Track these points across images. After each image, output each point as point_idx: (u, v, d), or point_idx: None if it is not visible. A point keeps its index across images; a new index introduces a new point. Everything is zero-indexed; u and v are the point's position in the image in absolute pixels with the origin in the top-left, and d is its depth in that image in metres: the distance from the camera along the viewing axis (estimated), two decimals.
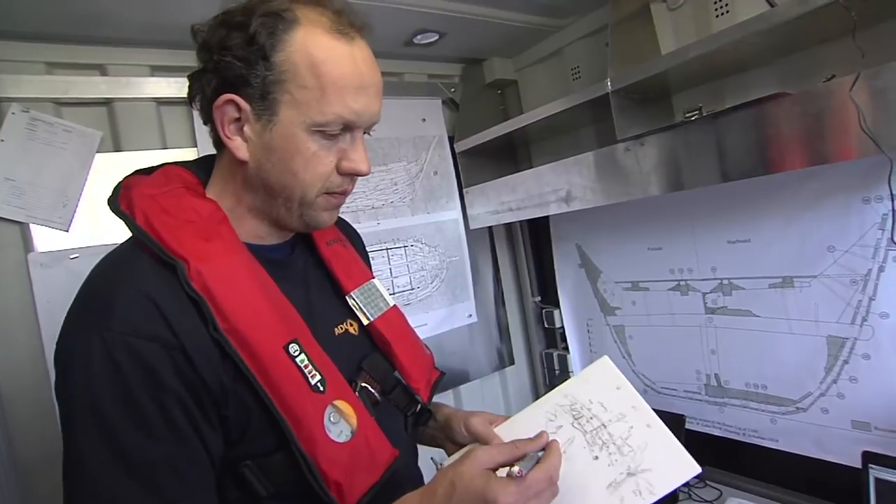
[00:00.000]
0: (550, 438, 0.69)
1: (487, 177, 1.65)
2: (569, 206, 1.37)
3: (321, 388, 0.63)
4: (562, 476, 0.69)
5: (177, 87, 1.25)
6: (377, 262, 1.59)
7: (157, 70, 1.27)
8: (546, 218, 1.76)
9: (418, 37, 1.49)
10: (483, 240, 1.87)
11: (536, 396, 1.96)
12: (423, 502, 0.61)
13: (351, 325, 0.77)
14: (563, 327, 1.83)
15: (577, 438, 0.74)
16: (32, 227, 1.11)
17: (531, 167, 1.68)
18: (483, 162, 1.74)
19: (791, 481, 1.29)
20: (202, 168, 0.73)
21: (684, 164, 1.11)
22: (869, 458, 1.05)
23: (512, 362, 1.90)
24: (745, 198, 1.26)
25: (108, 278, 0.61)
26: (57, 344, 0.59)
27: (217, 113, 0.63)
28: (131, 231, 0.63)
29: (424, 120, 1.74)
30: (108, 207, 0.65)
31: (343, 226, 0.91)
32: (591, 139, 1.62)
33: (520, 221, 1.90)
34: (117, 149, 1.22)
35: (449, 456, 0.87)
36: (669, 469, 0.69)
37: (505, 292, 1.91)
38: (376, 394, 0.73)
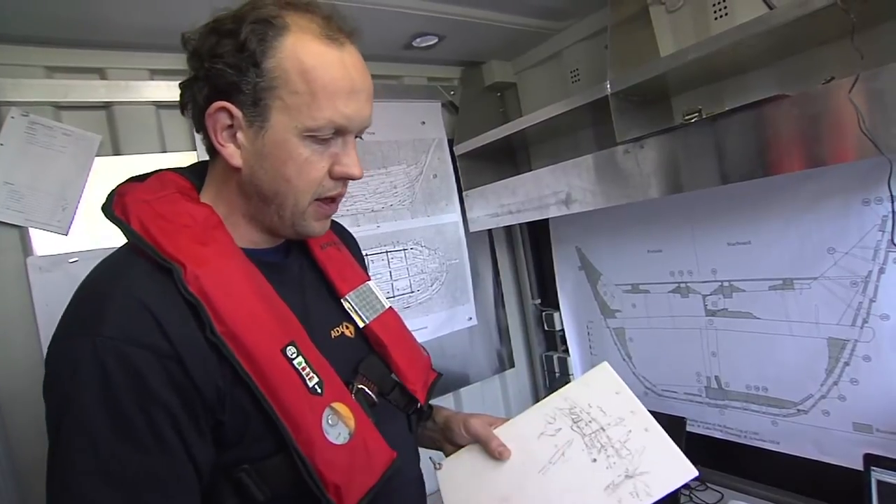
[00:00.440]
0: (550, 446, 0.70)
1: (487, 179, 1.65)
2: (568, 209, 1.37)
3: (319, 391, 0.62)
4: (560, 477, 0.69)
5: (176, 90, 1.23)
6: (377, 265, 1.59)
7: (157, 74, 1.27)
8: (546, 220, 1.76)
9: (417, 40, 1.50)
10: (483, 242, 1.87)
11: (536, 399, 1.96)
12: None
13: (347, 327, 0.77)
14: (563, 330, 1.82)
15: (576, 441, 0.75)
16: (31, 230, 1.11)
17: (530, 170, 1.68)
18: (482, 165, 1.74)
19: (792, 484, 1.29)
20: (196, 174, 0.73)
21: (684, 166, 1.11)
22: (871, 460, 1.05)
23: (512, 365, 1.89)
24: (744, 200, 1.26)
25: (102, 284, 0.60)
26: (48, 348, 0.58)
27: (209, 121, 0.64)
28: (126, 236, 0.63)
29: (424, 123, 1.74)
30: (102, 214, 0.65)
31: (338, 229, 0.91)
32: (590, 142, 1.62)
33: (519, 224, 1.90)
34: (117, 152, 1.22)
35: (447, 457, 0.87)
36: (667, 472, 0.70)
37: (505, 295, 1.91)
38: (373, 395, 0.73)
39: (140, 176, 0.70)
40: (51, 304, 1.08)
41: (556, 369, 1.87)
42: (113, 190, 0.67)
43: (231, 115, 0.63)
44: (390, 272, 1.61)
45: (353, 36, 0.66)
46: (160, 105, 1.26)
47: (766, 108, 0.95)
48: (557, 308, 1.82)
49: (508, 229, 1.96)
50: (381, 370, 0.77)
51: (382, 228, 1.61)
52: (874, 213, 1.06)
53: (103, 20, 1.09)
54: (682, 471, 0.70)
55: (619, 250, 1.59)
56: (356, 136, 0.68)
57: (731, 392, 1.38)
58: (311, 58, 0.61)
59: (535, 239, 1.91)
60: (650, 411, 1.41)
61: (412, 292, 1.65)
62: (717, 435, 1.42)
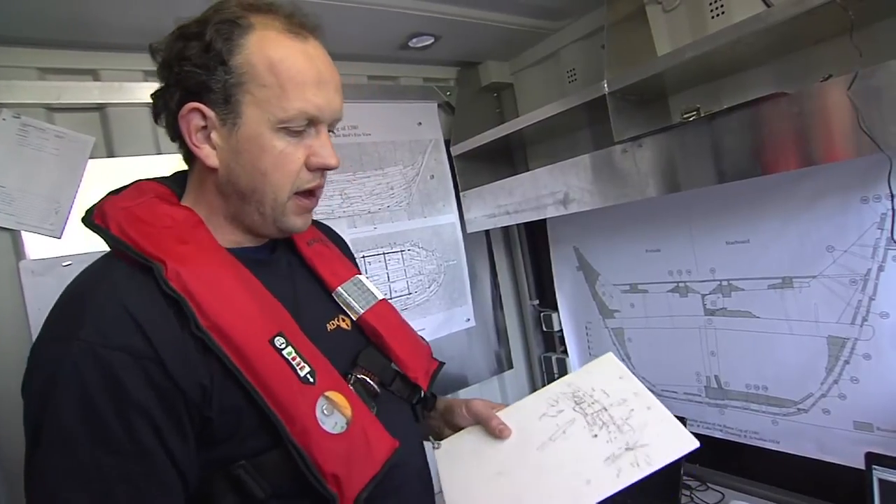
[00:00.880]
0: (552, 425, 0.69)
1: (484, 180, 1.64)
2: (566, 209, 1.37)
3: (311, 380, 0.62)
4: (559, 452, 0.69)
5: None
6: (374, 266, 1.58)
7: (151, 75, 1.25)
8: (543, 221, 1.76)
9: (413, 40, 1.49)
10: (480, 243, 1.86)
11: None
12: None
13: (343, 320, 0.77)
14: (561, 331, 1.82)
15: (578, 420, 0.74)
16: (24, 234, 1.10)
17: (528, 170, 1.68)
18: (479, 165, 1.73)
19: (793, 483, 1.28)
20: (176, 182, 0.73)
21: (682, 165, 1.10)
22: (872, 459, 1.05)
23: (511, 366, 1.89)
24: (743, 198, 1.25)
25: (82, 289, 0.60)
26: (30, 351, 0.58)
27: (183, 123, 0.64)
28: (106, 241, 0.63)
29: (420, 124, 1.73)
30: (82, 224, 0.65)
31: (324, 229, 0.91)
32: (587, 141, 1.62)
33: (517, 224, 1.89)
34: (110, 154, 1.21)
35: None
36: (668, 444, 0.69)
37: (503, 296, 1.90)
38: (375, 385, 0.72)
39: (117, 189, 0.70)
40: (43, 307, 1.05)
41: (555, 370, 1.87)
42: (94, 204, 0.67)
43: (204, 116, 0.64)
44: (387, 274, 1.60)
45: (317, 31, 0.68)
46: None
47: (764, 106, 0.95)
48: (556, 309, 1.81)
49: (506, 230, 1.96)
50: (380, 361, 0.76)
51: (379, 230, 1.60)
52: (873, 211, 1.06)
53: (97, 21, 1.08)
54: (684, 442, 0.69)
55: (617, 250, 1.58)
56: (329, 130, 0.69)
57: (731, 391, 1.37)
58: (276, 51, 0.63)
59: (533, 239, 1.90)
60: None
61: (410, 294, 1.64)
62: (718, 435, 1.42)
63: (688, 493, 1.38)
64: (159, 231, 0.62)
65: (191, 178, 0.72)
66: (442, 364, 0.86)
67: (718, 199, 1.30)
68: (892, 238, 1.03)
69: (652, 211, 1.45)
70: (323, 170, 0.69)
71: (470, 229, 1.71)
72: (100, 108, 1.20)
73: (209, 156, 0.65)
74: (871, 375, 1.11)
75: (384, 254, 1.60)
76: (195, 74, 0.62)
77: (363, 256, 1.56)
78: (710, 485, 1.40)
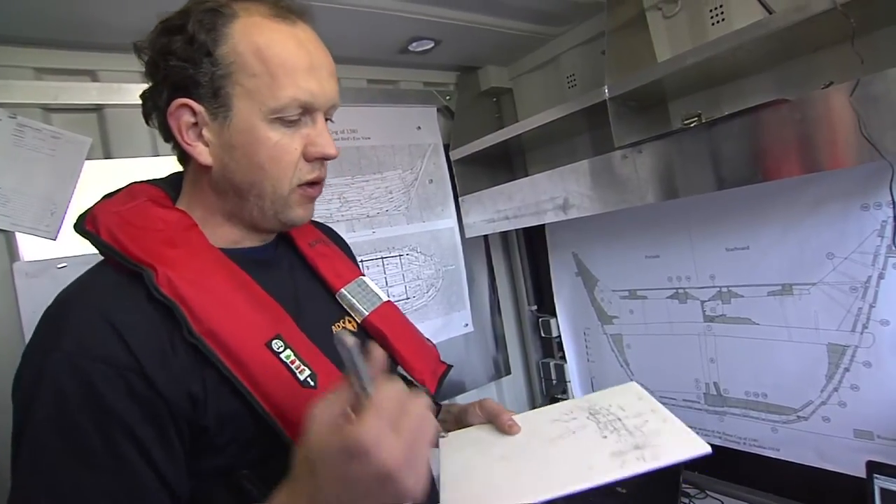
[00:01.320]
0: (562, 427, 0.68)
1: (483, 185, 1.64)
2: (566, 214, 1.36)
3: (312, 383, 0.60)
4: (566, 447, 0.68)
5: None
6: (372, 271, 1.57)
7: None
8: (542, 226, 1.75)
9: (413, 44, 1.49)
10: (479, 248, 1.85)
11: (533, 406, 1.94)
12: (292, 498, 0.51)
13: (349, 322, 0.75)
14: (559, 336, 1.81)
15: (590, 426, 0.73)
16: (18, 235, 1.08)
17: (526, 175, 1.67)
18: (478, 170, 1.73)
19: (793, 491, 1.27)
20: (171, 185, 0.71)
21: (683, 171, 1.10)
22: (873, 467, 1.04)
23: (508, 372, 1.88)
24: (743, 205, 1.25)
25: (68, 300, 0.59)
26: (20, 363, 0.57)
27: (172, 121, 0.62)
28: (96, 247, 0.61)
29: (419, 128, 1.73)
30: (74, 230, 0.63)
31: (325, 229, 0.89)
32: (586, 147, 1.62)
33: (515, 230, 1.89)
34: (107, 156, 1.19)
35: None
36: (678, 445, 0.68)
37: (501, 301, 1.90)
38: None
39: (111, 193, 0.69)
40: (37, 310, 1.03)
41: (553, 376, 1.86)
42: (87, 210, 0.65)
43: (193, 112, 0.61)
44: (385, 278, 1.59)
45: (305, 15, 0.65)
46: None
47: (766, 113, 0.95)
48: (554, 314, 1.81)
49: (504, 235, 1.95)
50: (386, 363, 0.75)
51: (378, 234, 1.59)
52: (873, 219, 1.06)
53: (95, 21, 1.07)
54: (696, 446, 0.68)
55: (617, 256, 1.58)
56: (327, 119, 0.67)
57: (731, 399, 1.37)
58: (263, 37, 0.60)
59: (532, 245, 1.90)
60: None
61: (408, 298, 1.63)
62: (717, 442, 1.41)
63: (687, 500, 1.37)
64: (150, 235, 0.61)
65: (186, 178, 0.70)
66: (450, 367, 0.84)
67: (718, 205, 1.30)
68: (893, 245, 1.03)
69: (651, 217, 1.44)
70: (322, 160, 0.66)
71: (469, 234, 1.70)
72: (97, 108, 1.19)
73: (202, 153, 0.63)
74: (871, 383, 1.11)
75: (382, 258, 1.59)
76: (181, 69, 0.60)
77: (361, 261, 1.55)
78: (709, 492, 1.39)
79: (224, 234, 0.68)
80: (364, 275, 0.83)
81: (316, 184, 0.68)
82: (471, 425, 0.84)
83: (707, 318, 1.38)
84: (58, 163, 1.12)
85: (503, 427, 0.76)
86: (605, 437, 0.70)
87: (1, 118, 1.07)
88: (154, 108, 0.65)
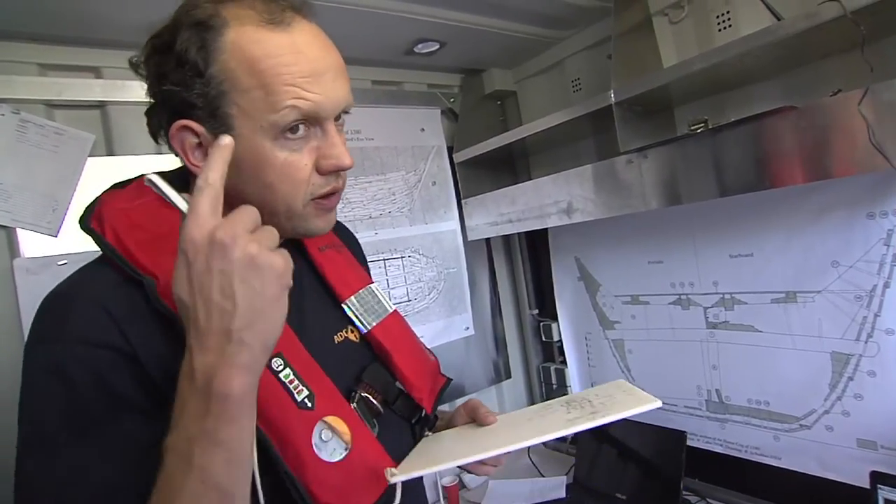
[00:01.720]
0: (535, 414, 0.70)
1: (485, 188, 1.63)
2: (570, 219, 1.36)
3: (309, 405, 0.59)
4: (532, 424, 0.70)
5: None
6: (374, 273, 1.54)
7: None
8: (544, 230, 1.75)
9: (419, 46, 1.49)
10: (480, 251, 1.85)
11: None
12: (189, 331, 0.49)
13: (352, 331, 0.74)
14: (560, 341, 1.80)
15: (561, 409, 0.73)
16: (19, 231, 1.08)
17: (529, 178, 1.67)
18: (481, 173, 1.73)
19: (794, 500, 1.27)
20: (183, 179, 0.68)
21: (689, 177, 1.09)
22: (877, 478, 1.03)
23: (509, 376, 1.87)
24: (747, 211, 1.25)
25: (66, 293, 0.58)
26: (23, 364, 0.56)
27: (175, 143, 0.59)
28: (99, 247, 0.59)
29: (423, 130, 1.72)
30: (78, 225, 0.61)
31: (338, 229, 0.87)
32: (590, 151, 1.62)
33: (518, 233, 1.88)
34: (110, 153, 1.19)
35: None
36: (629, 404, 0.68)
37: (502, 305, 1.89)
38: (378, 405, 0.69)
39: (122, 182, 0.66)
40: (37, 307, 1.05)
41: (554, 381, 1.85)
42: (95, 198, 0.63)
43: (196, 133, 0.58)
44: (387, 280, 1.59)
45: (304, 10, 0.59)
46: None
47: (774, 120, 0.95)
48: (555, 319, 1.80)
49: (507, 238, 1.95)
50: (385, 378, 0.73)
51: (380, 236, 1.59)
52: (879, 227, 1.05)
53: (100, 17, 1.07)
54: (647, 402, 0.68)
55: (619, 261, 1.57)
56: (338, 119, 0.62)
57: (732, 406, 1.36)
58: (254, 49, 0.55)
59: (534, 248, 1.89)
60: (649, 425, 1.39)
61: (409, 301, 1.62)
62: (718, 449, 1.40)
63: None
64: (156, 239, 0.58)
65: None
66: (449, 380, 0.83)
67: (722, 211, 1.29)
68: None
69: (655, 222, 1.44)
70: (336, 171, 0.62)
71: (471, 237, 1.70)
72: (101, 105, 1.19)
73: None
74: (875, 393, 1.10)
75: (384, 260, 1.59)
76: (174, 93, 0.56)
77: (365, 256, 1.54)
78: (709, 500, 1.38)
79: None
80: (373, 281, 0.81)
81: (332, 195, 0.64)
82: (457, 425, 0.83)
83: (710, 324, 1.38)
84: (60, 159, 1.12)
85: (481, 419, 0.76)
86: (569, 412, 0.71)
87: (4, 114, 1.06)
88: (159, 126, 0.62)
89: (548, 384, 1.88)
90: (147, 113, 0.63)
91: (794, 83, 1.14)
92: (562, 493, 1.51)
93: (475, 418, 0.78)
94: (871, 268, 1.08)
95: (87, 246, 1.13)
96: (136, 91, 1.21)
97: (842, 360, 1.14)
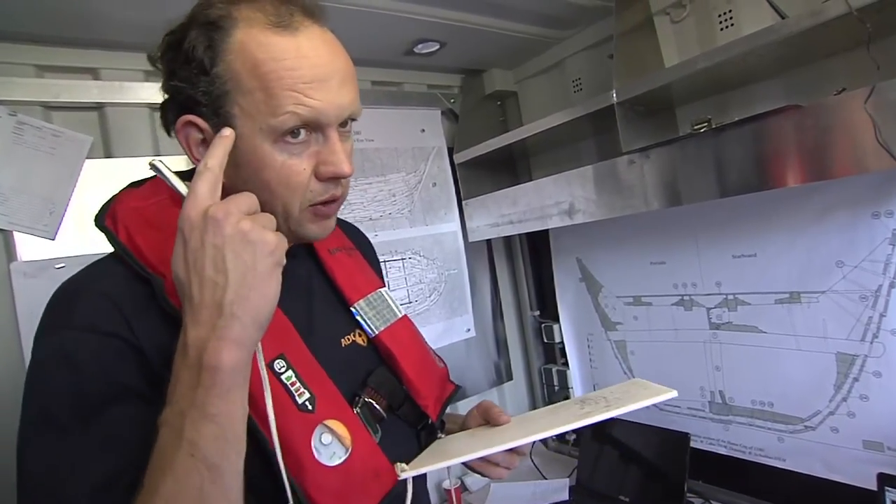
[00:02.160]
0: (549, 412, 0.70)
1: (486, 189, 1.62)
2: (571, 220, 1.35)
3: (310, 407, 0.59)
4: (545, 419, 0.70)
5: None
6: None
7: (152, 75, 1.21)
8: (546, 231, 1.74)
9: (419, 46, 1.48)
10: (481, 253, 1.84)
11: None
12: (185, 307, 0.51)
13: (359, 335, 0.73)
14: (562, 342, 1.79)
15: (575, 406, 0.73)
16: (16, 234, 1.07)
17: (530, 179, 1.66)
18: (482, 174, 1.72)
19: (800, 502, 1.26)
20: (190, 178, 0.69)
21: (692, 177, 1.09)
22: (885, 479, 1.02)
23: (510, 378, 1.86)
24: (750, 211, 1.24)
25: (76, 285, 0.59)
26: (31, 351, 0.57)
27: (181, 137, 0.60)
28: (111, 244, 0.60)
29: (423, 130, 1.71)
30: (93, 220, 0.62)
31: (351, 231, 0.87)
32: (591, 152, 1.61)
33: (519, 234, 1.87)
34: (108, 155, 1.18)
35: None
36: (644, 396, 0.68)
37: (503, 306, 1.88)
38: (381, 410, 0.69)
39: (138, 181, 0.67)
40: (35, 311, 1.01)
41: (555, 382, 1.84)
42: (111, 196, 0.64)
43: (200, 129, 0.59)
44: (388, 282, 1.58)
45: (316, 14, 0.59)
46: (154, 107, 1.20)
47: (778, 119, 0.94)
48: (557, 320, 1.79)
49: (508, 239, 1.94)
50: (391, 383, 0.72)
51: (380, 237, 1.58)
52: (884, 227, 1.05)
53: (98, 18, 1.06)
54: (659, 393, 0.68)
55: (621, 262, 1.56)
56: (344, 126, 0.62)
57: (736, 407, 1.35)
58: (260, 52, 0.55)
59: (535, 250, 1.88)
60: (652, 427, 1.38)
61: (410, 303, 1.61)
62: (722, 451, 1.40)
63: None
64: (167, 239, 0.57)
65: None
66: (457, 388, 0.82)
67: (725, 211, 1.28)
68: None
69: (657, 223, 1.43)
70: (335, 178, 0.62)
71: (472, 238, 1.69)
72: (98, 107, 1.18)
73: None
74: (881, 393, 1.09)
75: (385, 261, 1.58)
76: (181, 89, 0.57)
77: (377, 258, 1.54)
78: (713, 502, 1.37)
79: None
80: (384, 285, 0.80)
81: (331, 202, 0.64)
82: (470, 427, 0.82)
83: (713, 325, 1.37)
84: (58, 161, 1.11)
85: (494, 418, 0.76)
86: (583, 408, 0.70)
87: (1, 116, 1.05)
88: (171, 121, 0.62)
89: (549, 386, 1.87)
90: (161, 107, 0.64)
91: (797, 82, 1.13)
92: (564, 496, 1.50)
93: (488, 418, 0.78)
94: (876, 268, 1.07)
95: (84, 249, 1.13)
96: (135, 93, 1.22)
97: (847, 361, 1.13)
